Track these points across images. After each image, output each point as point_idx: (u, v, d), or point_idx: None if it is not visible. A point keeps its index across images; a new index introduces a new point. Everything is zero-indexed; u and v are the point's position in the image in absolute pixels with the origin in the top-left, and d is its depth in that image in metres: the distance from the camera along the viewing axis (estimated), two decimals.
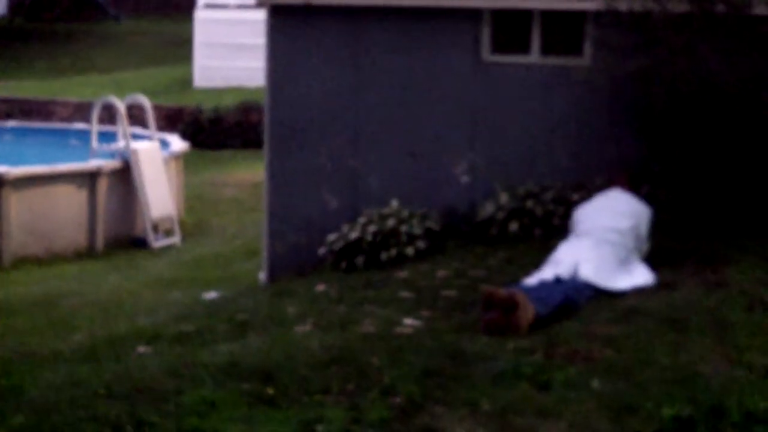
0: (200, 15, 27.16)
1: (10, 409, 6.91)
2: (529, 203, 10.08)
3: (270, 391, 6.66)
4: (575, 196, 10.03)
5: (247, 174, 20.08)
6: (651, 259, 9.02)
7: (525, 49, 10.69)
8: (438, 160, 10.84)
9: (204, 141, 22.35)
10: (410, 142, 10.90)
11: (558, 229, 9.84)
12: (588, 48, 10.46)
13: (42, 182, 15.02)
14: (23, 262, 14.47)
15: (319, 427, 6.06)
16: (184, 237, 15.96)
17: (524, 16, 10.65)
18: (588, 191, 10.03)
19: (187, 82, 27.48)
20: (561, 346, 7.14)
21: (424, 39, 10.82)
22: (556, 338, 7.29)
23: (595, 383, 6.50)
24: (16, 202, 14.63)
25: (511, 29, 10.72)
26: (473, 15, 10.68)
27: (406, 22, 10.83)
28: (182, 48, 32.06)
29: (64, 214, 15.10)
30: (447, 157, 10.82)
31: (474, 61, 10.74)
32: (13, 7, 43.52)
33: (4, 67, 35.71)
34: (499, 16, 10.69)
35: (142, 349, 8.44)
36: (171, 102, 24.44)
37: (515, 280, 8.79)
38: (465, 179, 10.77)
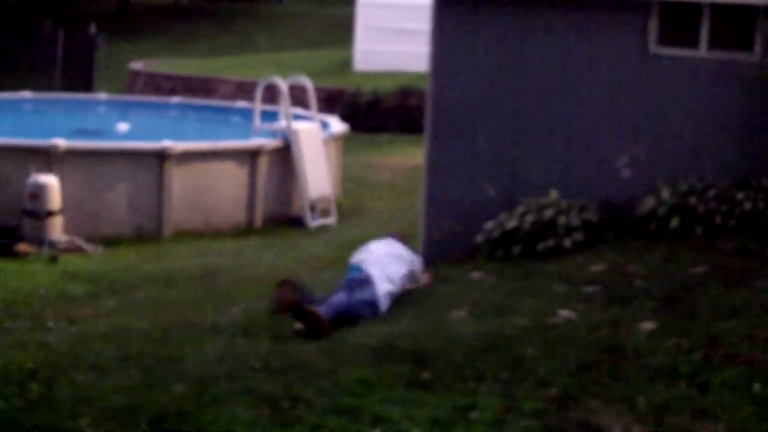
0: None
1: (171, 378, 7.09)
2: (692, 200, 9.90)
3: (425, 374, 6.69)
4: (740, 195, 9.82)
5: (403, 158, 20.18)
6: None
7: (693, 42, 10.50)
8: (599, 151, 10.72)
9: (361, 124, 22.51)
10: (571, 133, 10.81)
11: (720, 228, 9.65)
12: (758, 44, 10.22)
13: (204, 158, 15.34)
14: (183, 235, 14.80)
15: (473, 414, 6.07)
16: (340, 218, 16.11)
17: (693, 9, 10.46)
18: (754, 190, 9.81)
19: (347, 64, 27.72)
20: (722, 346, 7.00)
21: (590, 29, 10.71)
22: (717, 339, 7.15)
23: (757, 387, 6.36)
24: (179, 177, 14.97)
25: (679, 22, 10.54)
26: (641, 6, 10.53)
27: (571, 11, 10.73)
28: (342, 31, 32.38)
29: (224, 190, 15.40)
30: (608, 149, 10.70)
31: (640, 52, 10.59)
32: None
33: (170, 44, 36.55)
34: (668, 8, 10.52)
35: (298, 326, 8.55)
36: (330, 84, 24.68)
37: (674, 279, 8.69)
38: (626, 172, 10.63)
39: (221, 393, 6.67)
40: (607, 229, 10.26)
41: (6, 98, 21.97)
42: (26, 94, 21.97)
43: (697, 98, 10.50)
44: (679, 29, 10.55)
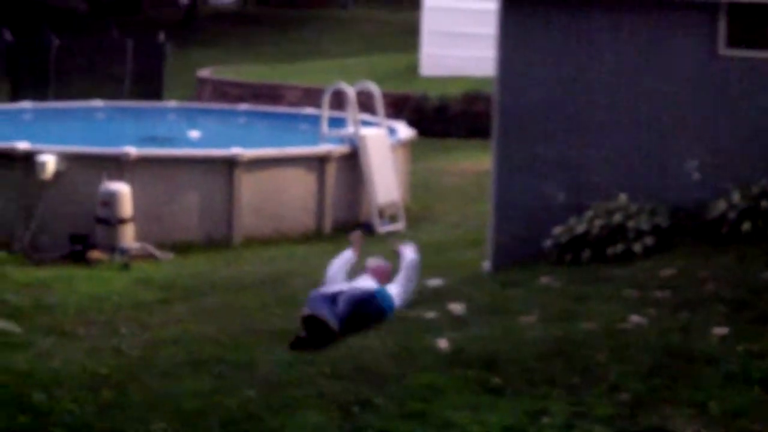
0: (429, 3, 27.38)
1: (242, 383, 7.16)
2: (764, 203, 9.79)
3: (495, 380, 6.69)
4: None
5: (470, 163, 20.16)
6: None
7: (762, 43, 10.40)
8: (667, 155, 10.64)
9: (428, 129, 22.48)
10: (639, 136, 10.73)
11: None
12: None
13: (273, 165, 15.42)
14: (252, 241, 14.88)
15: (545, 419, 6.06)
16: (409, 223, 16.11)
17: (762, 10, 10.36)
18: None
19: (413, 69, 27.73)
20: None
21: (655, 31, 10.64)
22: None
23: None
24: (248, 184, 15.06)
25: (748, 23, 10.44)
26: (709, 8, 10.45)
27: (636, 13, 10.66)
28: (408, 36, 32.39)
29: (293, 197, 15.47)
30: (677, 152, 10.61)
31: (708, 54, 10.50)
32: None
33: (237, 51, 36.79)
34: (736, 9, 10.43)
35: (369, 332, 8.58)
36: (396, 89, 24.70)
37: (746, 283, 8.60)
38: (695, 176, 10.54)
39: (291, 398, 6.73)
40: (677, 233, 10.17)
41: (77, 107, 22.25)
42: (97, 103, 22.24)
43: (766, 100, 10.39)
44: (748, 31, 10.46)
